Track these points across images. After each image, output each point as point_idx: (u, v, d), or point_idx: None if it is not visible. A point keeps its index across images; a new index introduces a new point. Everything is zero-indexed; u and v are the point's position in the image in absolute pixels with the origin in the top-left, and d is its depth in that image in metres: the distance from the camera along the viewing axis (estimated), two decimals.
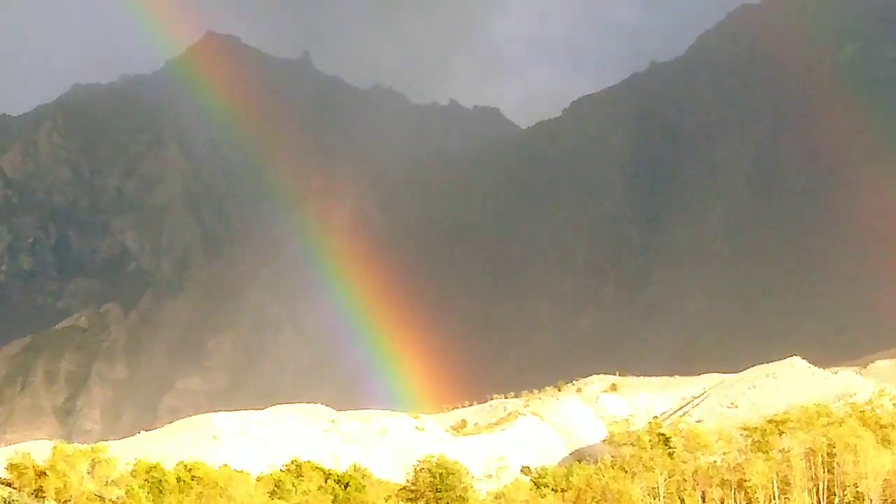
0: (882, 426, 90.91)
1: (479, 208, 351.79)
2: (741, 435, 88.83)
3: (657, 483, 74.22)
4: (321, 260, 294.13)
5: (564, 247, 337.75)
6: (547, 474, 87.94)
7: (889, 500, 73.03)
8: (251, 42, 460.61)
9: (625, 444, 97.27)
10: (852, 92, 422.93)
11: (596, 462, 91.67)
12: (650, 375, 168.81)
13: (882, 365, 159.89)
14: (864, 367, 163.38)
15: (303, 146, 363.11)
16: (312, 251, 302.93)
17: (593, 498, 72.24)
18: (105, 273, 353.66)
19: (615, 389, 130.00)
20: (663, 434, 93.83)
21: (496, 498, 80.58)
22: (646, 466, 79.64)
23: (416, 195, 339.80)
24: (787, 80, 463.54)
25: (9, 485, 64.58)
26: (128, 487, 63.15)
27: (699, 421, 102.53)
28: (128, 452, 80.00)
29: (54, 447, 71.83)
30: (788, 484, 76.75)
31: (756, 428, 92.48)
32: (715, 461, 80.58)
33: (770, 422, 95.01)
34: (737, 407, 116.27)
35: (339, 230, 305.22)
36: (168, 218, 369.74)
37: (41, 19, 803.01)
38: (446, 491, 77.48)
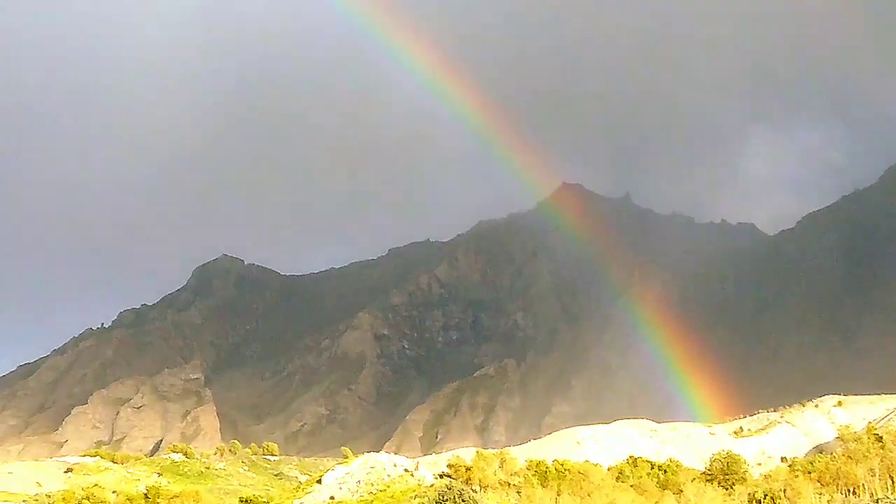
0: None
1: (740, 292, 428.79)
2: None
3: (874, 466, 73.94)
4: (642, 326, 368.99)
5: (798, 315, 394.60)
6: (797, 462, 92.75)
7: None
8: (591, 187, 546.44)
9: (849, 441, 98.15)
10: None
11: (831, 454, 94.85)
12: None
13: None
14: None
15: (625, 255, 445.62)
16: (636, 321, 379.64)
17: (830, 477, 74.67)
18: (504, 340, 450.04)
19: (840, 405, 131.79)
20: (876, 433, 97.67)
21: (765, 478, 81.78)
22: (865, 456, 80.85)
23: (699, 283, 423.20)
24: None
25: (449, 476, 73.81)
26: (524, 476, 74.44)
27: None
28: (523, 455, 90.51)
29: (476, 452, 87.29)
30: None
31: None
32: None
33: None
34: None
35: (652, 307, 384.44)
36: (542, 303, 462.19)
37: (448, 168, 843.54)
38: (732, 474, 79.60)
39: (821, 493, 63.71)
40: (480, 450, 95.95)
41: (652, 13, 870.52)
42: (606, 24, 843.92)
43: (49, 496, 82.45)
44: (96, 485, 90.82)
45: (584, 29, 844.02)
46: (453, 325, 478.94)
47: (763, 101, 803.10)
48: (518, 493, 68.82)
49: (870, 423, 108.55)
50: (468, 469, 72.07)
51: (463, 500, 58.54)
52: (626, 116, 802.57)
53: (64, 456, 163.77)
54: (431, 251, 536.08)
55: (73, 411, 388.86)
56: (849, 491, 66.23)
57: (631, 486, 73.00)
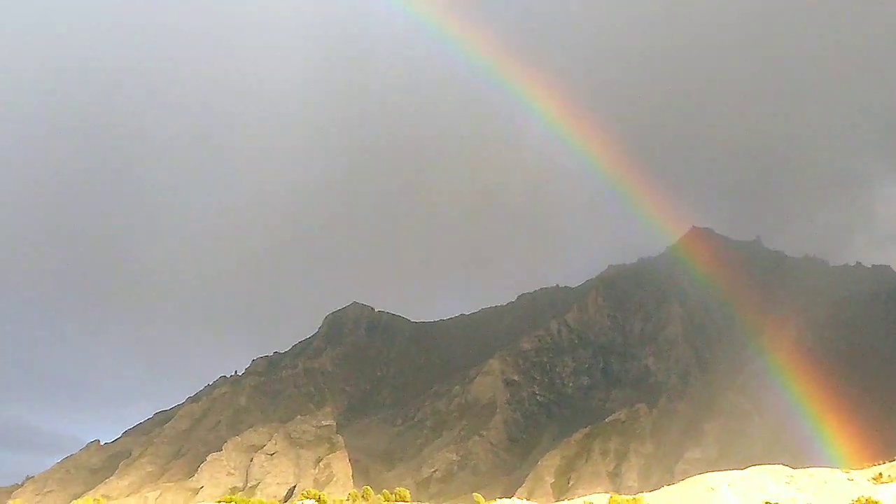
0: None
1: (877, 335, 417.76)
2: None
3: None
4: (775, 371, 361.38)
5: None
6: None
7: None
8: (721, 231, 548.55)
9: None
10: None
11: None
12: None
13: None
14: None
15: (757, 299, 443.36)
16: (769, 365, 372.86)
17: None
18: (635, 385, 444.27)
19: None
20: None
21: None
22: None
23: (835, 327, 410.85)
24: None
25: None
26: None
27: None
28: (655, 501, 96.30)
29: (610, 497, 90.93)
30: None
31: None
32: None
33: None
34: None
35: (787, 351, 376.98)
36: (674, 348, 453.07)
37: (577, 214, 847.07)
38: None
39: None
40: (615, 495, 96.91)
41: (777, 58, 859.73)
42: (732, 69, 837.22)
43: None
44: None
45: (709, 73, 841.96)
46: (584, 371, 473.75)
47: (893, 142, 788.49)
48: None
49: None
50: None
51: None
52: (756, 159, 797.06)
53: (200, 502, 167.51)
54: (561, 297, 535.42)
55: (207, 458, 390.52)
56: None
57: None
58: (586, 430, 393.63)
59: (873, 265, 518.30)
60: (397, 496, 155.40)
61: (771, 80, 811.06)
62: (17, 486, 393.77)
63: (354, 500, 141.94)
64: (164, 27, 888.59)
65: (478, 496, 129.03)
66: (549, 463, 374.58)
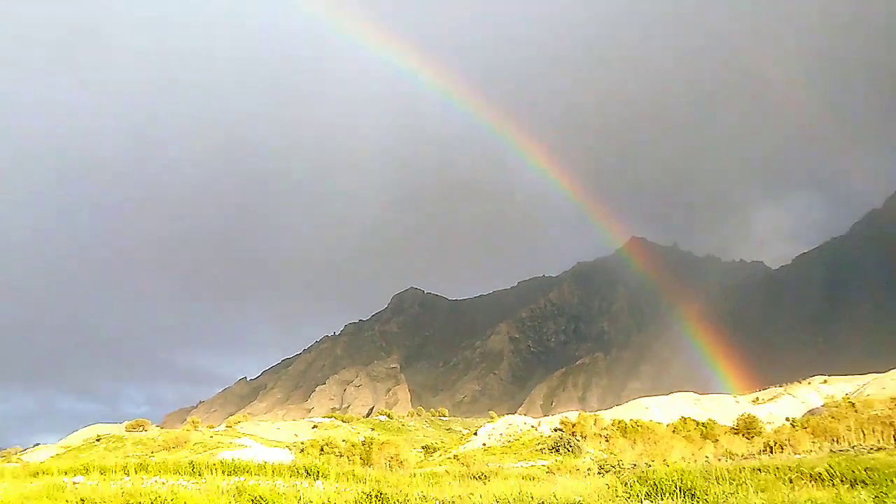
0: None
1: (753, 309, 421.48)
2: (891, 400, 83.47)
3: (850, 424, 69.60)
4: (687, 331, 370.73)
5: (794, 323, 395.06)
6: (796, 421, 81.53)
7: None
8: (651, 238, 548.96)
9: (832, 407, 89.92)
10: None
11: (819, 415, 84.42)
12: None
13: None
14: None
15: (676, 285, 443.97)
16: (683, 328, 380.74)
17: (820, 431, 68.24)
18: (595, 341, 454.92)
19: (826, 382, 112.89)
20: (850, 401, 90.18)
21: (775, 432, 72.55)
22: (843, 416, 77.55)
23: (726, 303, 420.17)
24: None
25: (560, 430, 71.38)
26: (611, 430, 72.42)
27: (869, 395, 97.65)
28: (609, 416, 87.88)
29: (579, 414, 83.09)
30: None
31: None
32: (877, 413, 75.20)
33: None
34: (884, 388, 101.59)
35: (694, 319, 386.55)
36: (621, 317, 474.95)
37: (558, 227, 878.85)
38: (752, 429, 73.66)
39: (813, 442, 62.40)
40: (582, 412, 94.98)
41: (687, 114, 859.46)
42: (659, 115, 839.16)
43: (303, 443, 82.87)
44: (331, 436, 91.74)
45: (643, 118, 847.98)
46: (561, 331, 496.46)
47: (768, 177, 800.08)
48: (607, 440, 70.46)
49: (846, 394, 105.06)
50: (574, 425, 73.42)
51: (570, 446, 61.33)
52: (674, 185, 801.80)
53: (311, 418, 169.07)
54: (546, 282, 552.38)
55: (316, 389, 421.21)
56: (833, 440, 64.05)
57: (683, 436, 73.25)
58: (563, 370, 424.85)
59: (752, 261, 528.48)
60: (440, 413, 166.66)
61: (684, 127, 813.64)
62: (193, 408, 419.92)
63: (412, 416, 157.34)
64: (288, 90, 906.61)
65: (493, 413, 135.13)
66: (539, 392, 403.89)
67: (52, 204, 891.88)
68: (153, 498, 18.71)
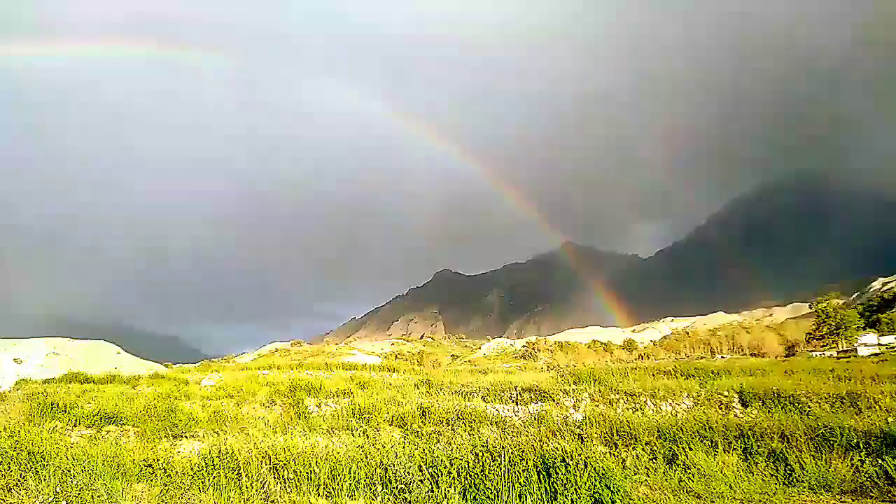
0: None
1: (640, 284, 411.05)
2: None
3: (685, 344, 66.72)
4: (598, 299, 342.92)
5: (660, 290, 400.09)
6: (656, 342, 78.49)
7: None
8: (574, 240, 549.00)
9: (675, 334, 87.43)
10: None
11: (669, 339, 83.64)
12: None
13: None
14: None
15: (588, 268, 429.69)
16: (595, 297, 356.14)
17: (670, 348, 64.36)
18: (547, 300, 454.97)
19: (673, 321, 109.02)
20: (685, 331, 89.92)
21: (644, 348, 67.80)
22: (682, 339, 73.89)
23: (618, 283, 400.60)
24: None
25: (526, 347, 64.88)
26: (553, 348, 63.15)
27: (696, 328, 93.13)
28: (552, 339, 78.99)
29: (535, 339, 73.20)
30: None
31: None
32: (700, 339, 72.65)
33: None
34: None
35: (601, 292, 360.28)
36: (559, 289, 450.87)
37: (521, 236, 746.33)
38: (631, 346, 66.91)
39: (666, 355, 56.88)
40: (538, 337, 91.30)
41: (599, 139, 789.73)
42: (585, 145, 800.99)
43: (385, 353, 74.79)
44: (401, 350, 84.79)
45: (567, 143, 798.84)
46: (526, 293, 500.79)
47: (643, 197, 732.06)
48: (551, 353, 62.29)
49: (684, 328, 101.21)
50: (533, 345, 68.42)
51: (531, 355, 55.31)
52: (589, 201, 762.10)
53: (390, 339, 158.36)
54: (516, 266, 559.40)
55: (392, 324, 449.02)
56: (676, 353, 59.28)
57: (593, 351, 66.22)
58: (528, 315, 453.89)
59: (632, 254, 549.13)
60: (459, 337, 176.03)
61: (596, 160, 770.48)
62: (326, 334, 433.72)
63: (445, 339, 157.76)
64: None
65: (489, 337, 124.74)
66: (514, 326, 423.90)
67: (289, 210, 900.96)
68: (306, 382, 19.24)
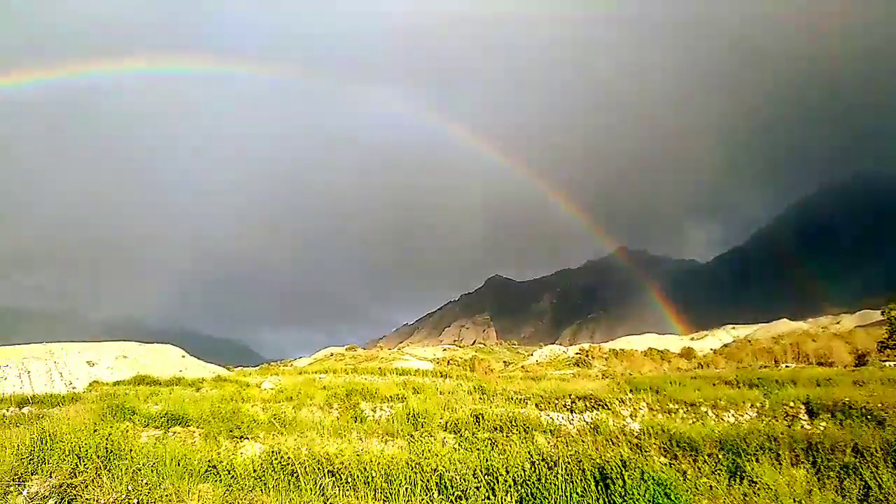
0: None
1: (696, 290, 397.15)
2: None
3: (749, 352, 57.58)
4: (654, 303, 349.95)
5: (717, 298, 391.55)
6: (717, 351, 65.99)
7: None
8: (629, 246, 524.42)
9: (738, 342, 75.57)
10: None
11: (730, 347, 70.01)
12: None
13: None
14: None
15: (645, 273, 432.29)
16: (651, 300, 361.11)
17: (730, 356, 56.87)
18: (602, 306, 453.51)
19: (734, 328, 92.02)
20: (748, 340, 75.80)
21: (703, 357, 58.80)
22: (744, 348, 64.34)
23: (677, 286, 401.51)
24: None
25: (580, 354, 61.63)
26: (608, 355, 61.63)
27: (758, 336, 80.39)
28: (606, 347, 71.54)
29: (589, 346, 69.84)
30: None
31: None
32: (763, 347, 60.80)
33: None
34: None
35: (658, 296, 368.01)
36: (614, 295, 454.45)
37: (570, 238, 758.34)
38: (689, 355, 61.39)
39: (727, 363, 52.55)
40: (592, 344, 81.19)
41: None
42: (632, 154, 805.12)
43: (438, 359, 73.90)
44: (453, 355, 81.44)
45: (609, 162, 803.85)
46: (580, 299, 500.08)
47: (699, 201, 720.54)
48: (606, 360, 61.23)
49: (745, 335, 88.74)
50: (587, 352, 65.23)
51: (585, 363, 55.40)
52: (643, 197, 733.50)
53: (442, 345, 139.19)
54: (569, 271, 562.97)
55: (444, 330, 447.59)
56: (738, 362, 53.40)
57: (650, 359, 61.15)
58: (580, 321, 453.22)
59: (689, 259, 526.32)
60: (512, 343, 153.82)
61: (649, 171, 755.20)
62: (380, 339, 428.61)
63: (498, 345, 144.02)
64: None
65: (541, 344, 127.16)
66: (567, 332, 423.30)
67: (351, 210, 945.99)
68: (361, 387, 19.64)
